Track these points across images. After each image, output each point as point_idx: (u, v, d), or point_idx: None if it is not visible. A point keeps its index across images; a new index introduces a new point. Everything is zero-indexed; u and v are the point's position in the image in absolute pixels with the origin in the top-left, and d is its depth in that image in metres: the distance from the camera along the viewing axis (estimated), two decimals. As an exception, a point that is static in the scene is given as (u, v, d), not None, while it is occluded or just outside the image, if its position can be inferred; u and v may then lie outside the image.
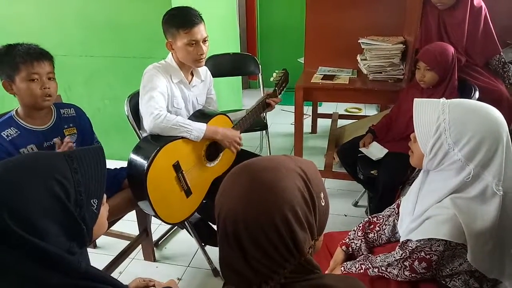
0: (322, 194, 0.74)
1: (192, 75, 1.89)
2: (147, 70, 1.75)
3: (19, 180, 0.71)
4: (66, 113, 1.66)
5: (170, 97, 1.76)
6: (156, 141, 1.63)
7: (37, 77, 1.44)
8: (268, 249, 0.66)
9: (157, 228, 2.33)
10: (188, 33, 1.67)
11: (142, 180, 1.53)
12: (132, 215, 1.87)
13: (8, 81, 1.43)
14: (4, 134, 1.46)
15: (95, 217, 0.81)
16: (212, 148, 1.80)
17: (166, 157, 1.60)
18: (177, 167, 1.64)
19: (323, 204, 0.74)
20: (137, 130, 1.89)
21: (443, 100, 1.07)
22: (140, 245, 2.05)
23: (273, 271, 0.67)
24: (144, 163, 1.54)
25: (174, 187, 1.65)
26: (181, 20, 1.67)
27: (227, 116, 1.89)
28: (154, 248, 2.12)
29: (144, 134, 1.86)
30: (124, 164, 1.67)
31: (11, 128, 1.48)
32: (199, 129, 1.67)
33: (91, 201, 0.79)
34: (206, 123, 1.73)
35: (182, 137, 1.65)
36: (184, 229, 2.13)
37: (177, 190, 1.66)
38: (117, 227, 1.86)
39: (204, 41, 1.73)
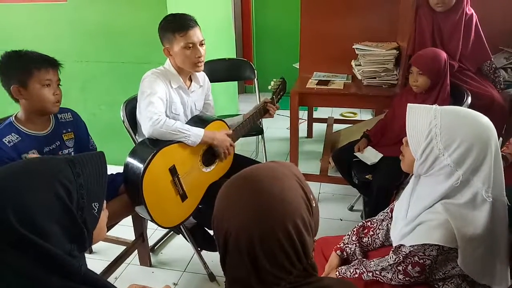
0: (311, 195, 0.76)
1: (191, 80, 1.90)
2: (146, 76, 1.76)
3: (24, 181, 0.72)
4: (63, 118, 1.68)
5: (168, 102, 1.77)
6: (152, 145, 1.64)
7: (49, 83, 1.48)
8: (280, 259, 0.67)
9: (153, 233, 2.33)
10: (184, 36, 1.68)
11: (138, 183, 1.53)
12: (128, 220, 1.87)
13: (18, 86, 1.45)
14: (5, 140, 1.47)
15: (95, 221, 0.82)
16: (208, 153, 1.81)
17: (162, 161, 1.61)
18: (173, 171, 1.65)
19: (314, 205, 0.76)
20: (133, 136, 1.90)
21: (435, 106, 1.09)
22: (136, 250, 2.04)
23: (281, 278, 0.68)
24: (140, 166, 1.55)
25: (169, 191, 1.65)
26: (177, 25, 1.69)
27: (224, 121, 1.90)
28: (150, 253, 2.12)
29: (140, 139, 1.87)
30: (121, 169, 1.67)
31: (12, 134, 1.49)
32: (196, 134, 1.68)
33: (92, 204, 0.80)
34: (204, 128, 1.74)
35: (179, 141, 1.66)
36: (180, 234, 2.14)
37: (172, 194, 1.67)
38: (113, 232, 1.85)
39: (201, 44, 1.74)
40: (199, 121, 1.86)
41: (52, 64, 1.50)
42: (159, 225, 1.67)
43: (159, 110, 1.66)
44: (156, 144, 1.63)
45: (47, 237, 0.70)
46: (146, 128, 1.63)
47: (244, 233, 0.67)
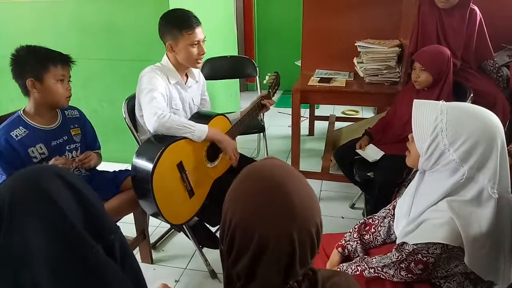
0: None
1: (187, 76, 1.91)
2: (144, 73, 1.76)
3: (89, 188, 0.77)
4: (70, 114, 1.71)
5: (168, 98, 1.78)
6: (160, 142, 1.65)
7: (63, 79, 1.54)
8: (307, 255, 0.69)
9: (155, 230, 2.33)
10: (191, 34, 1.71)
11: (149, 181, 1.54)
12: (129, 218, 1.88)
13: (33, 80, 1.48)
14: (13, 134, 1.49)
15: None
16: (212, 149, 1.81)
17: (170, 157, 1.62)
18: (180, 167, 1.66)
19: None
20: (135, 133, 1.90)
21: (442, 102, 1.09)
22: (138, 247, 2.04)
23: (298, 273, 0.69)
24: (150, 163, 1.56)
25: (178, 187, 1.66)
26: (184, 22, 1.71)
27: (226, 116, 1.92)
28: (152, 251, 2.12)
29: (142, 137, 1.87)
30: (122, 166, 1.68)
31: (19, 127, 1.52)
32: (201, 130, 1.69)
33: None
34: (207, 124, 1.75)
35: (184, 138, 1.67)
36: (181, 232, 2.14)
37: (181, 190, 1.68)
38: (114, 229, 1.86)
39: (203, 41, 1.78)
40: (200, 117, 1.87)
41: (67, 61, 1.56)
42: (168, 222, 1.68)
43: (162, 106, 1.67)
44: (163, 141, 1.64)
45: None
46: (151, 124, 1.63)
47: (286, 237, 0.66)
